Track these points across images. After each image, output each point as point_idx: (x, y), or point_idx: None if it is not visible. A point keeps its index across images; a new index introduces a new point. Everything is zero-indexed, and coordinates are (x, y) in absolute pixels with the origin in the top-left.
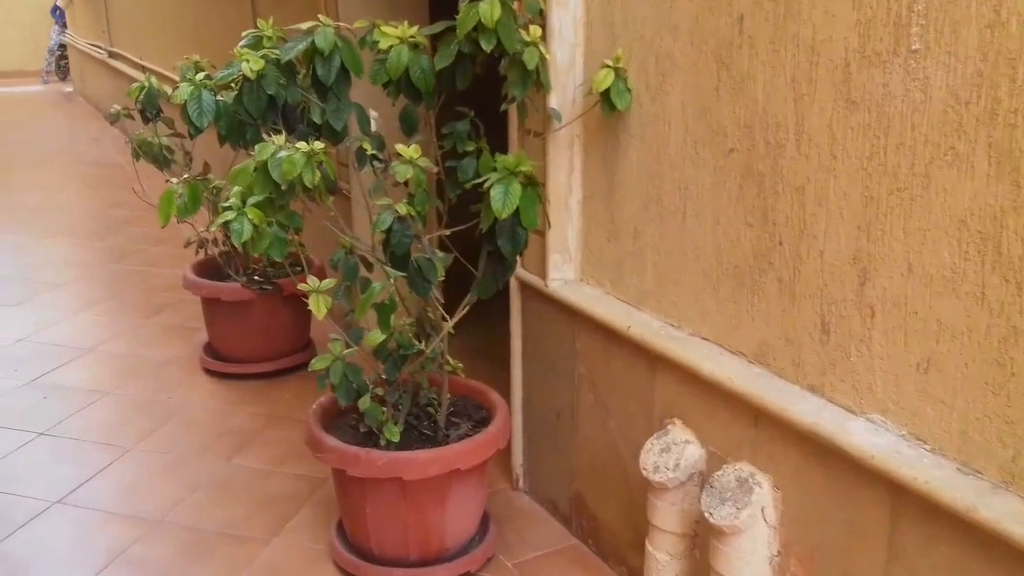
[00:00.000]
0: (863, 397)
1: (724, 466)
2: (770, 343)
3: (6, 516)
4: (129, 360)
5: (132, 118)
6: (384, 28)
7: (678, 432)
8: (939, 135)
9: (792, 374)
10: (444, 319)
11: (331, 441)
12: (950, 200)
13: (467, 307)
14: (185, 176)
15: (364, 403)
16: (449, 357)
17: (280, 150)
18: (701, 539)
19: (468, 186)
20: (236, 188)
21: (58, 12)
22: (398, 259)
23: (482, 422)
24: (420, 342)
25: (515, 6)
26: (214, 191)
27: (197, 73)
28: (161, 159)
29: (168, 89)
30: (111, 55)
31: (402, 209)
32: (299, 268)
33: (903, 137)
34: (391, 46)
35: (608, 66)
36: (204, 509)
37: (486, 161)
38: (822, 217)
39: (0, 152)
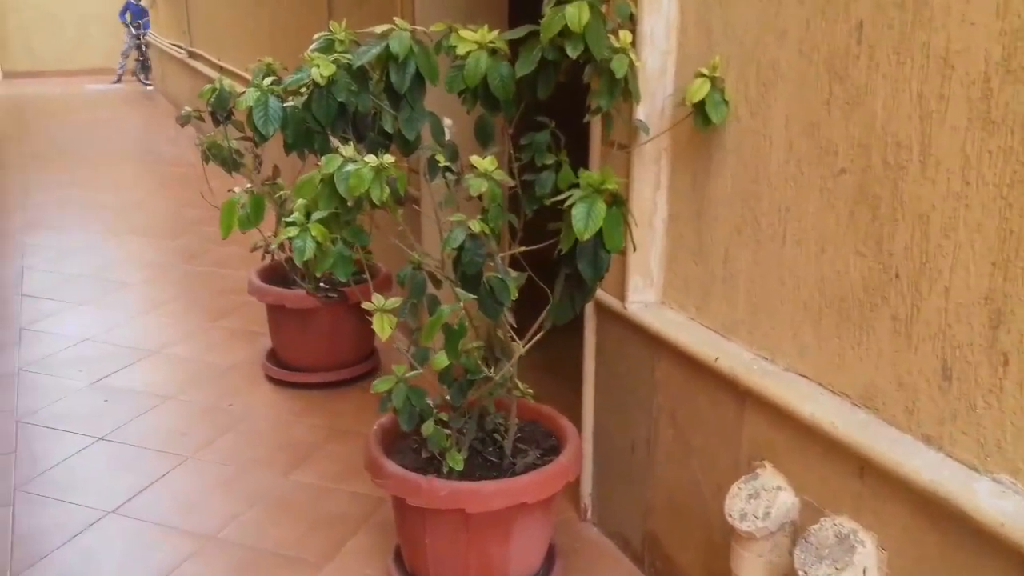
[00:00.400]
0: (989, 454)
1: (822, 519)
2: (879, 386)
3: (60, 524)
4: (193, 364)
5: (203, 120)
6: (462, 32)
7: (768, 477)
8: None
9: (904, 422)
10: (513, 340)
11: (391, 467)
12: None
13: (540, 333)
14: (248, 186)
15: (427, 428)
16: (519, 382)
17: (348, 163)
18: None
19: (548, 203)
20: (300, 201)
21: (128, 15)
22: (469, 279)
23: (551, 450)
24: (488, 367)
25: (604, 10)
26: (280, 200)
27: (267, 76)
28: (230, 162)
29: (242, 90)
30: (191, 55)
31: (475, 226)
32: (364, 277)
33: None
34: (469, 52)
35: (703, 75)
36: (260, 527)
37: (566, 175)
38: (949, 250)
39: (83, 150)
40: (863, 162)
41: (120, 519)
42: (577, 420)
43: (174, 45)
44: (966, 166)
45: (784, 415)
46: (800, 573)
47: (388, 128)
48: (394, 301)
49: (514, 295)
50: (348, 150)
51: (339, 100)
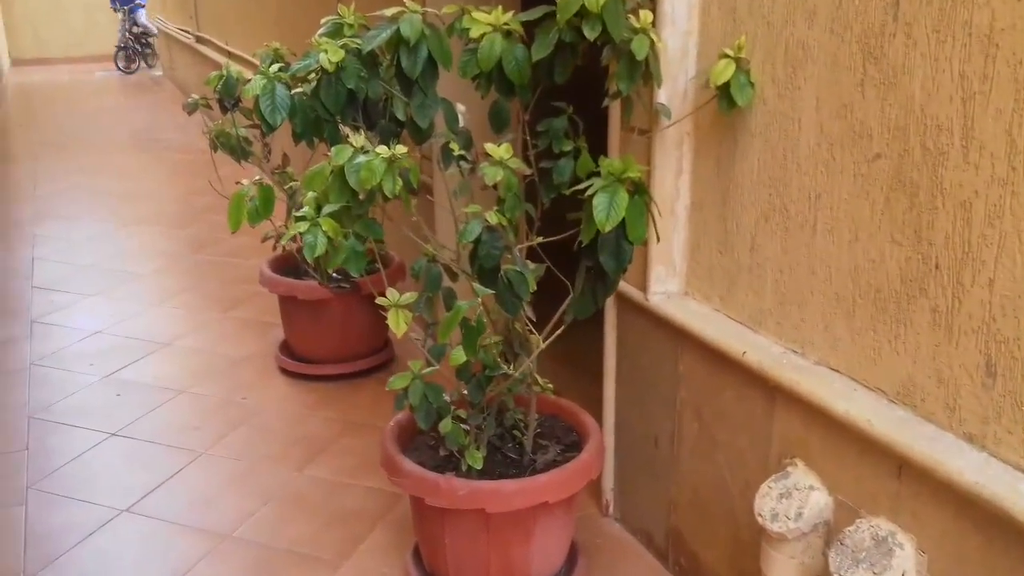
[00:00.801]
0: None
1: (857, 520)
2: (917, 382)
3: (74, 524)
4: (205, 356)
5: (210, 107)
6: (475, 14)
7: (800, 475)
8: None
9: (944, 420)
10: (531, 333)
11: (408, 465)
12: None
13: (561, 328)
14: (258, 177)
15: (445, 426)
16: (538, 376)
17: (359, 154)
18: None
19: (567, 192)
20: (310, 194)
21: (118, 2)
22: (486, 272)
23: (572, 446)
24: (507, 362)
25: None
26: (289, 191)
27: (274, 63)
28: (239, 151)
29: (250, 76)
30: (198, 40)
31: (492, 218)
32: (377, 267)
33: None
34: (483, 34)
35: (728, 56)
36: (274, 524)
37: (584, 162)
38: (994, 239)
39: (91, 137)
40: (900, 146)
41: (134, 518)
42: (597, 413)
43: (181, 30)
44: (1012, 151)
45: (816, 411)
46: None
47: (400, 115)
48: (409, 296)
49: (532, 288)
50: (358, 139)
51: (348, 87)
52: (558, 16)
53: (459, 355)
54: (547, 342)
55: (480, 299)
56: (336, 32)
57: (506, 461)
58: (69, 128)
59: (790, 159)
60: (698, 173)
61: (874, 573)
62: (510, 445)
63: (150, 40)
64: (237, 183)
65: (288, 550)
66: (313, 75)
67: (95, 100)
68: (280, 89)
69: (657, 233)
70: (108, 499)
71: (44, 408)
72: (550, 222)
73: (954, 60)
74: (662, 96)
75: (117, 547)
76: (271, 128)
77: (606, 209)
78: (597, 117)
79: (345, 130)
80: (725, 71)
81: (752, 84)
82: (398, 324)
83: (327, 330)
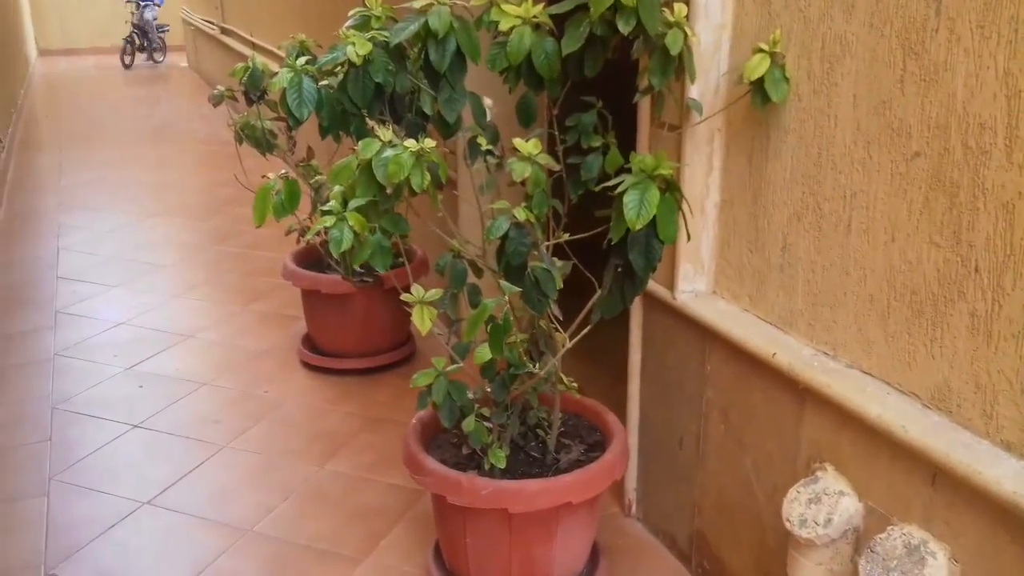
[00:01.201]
0: None
1: (888, 528)
2: (954, 387)
3: (95, 516)
4: (227, 349)
5: (236, 100)
6: (504, 6)
7: (830, 480)
8: None
9: (981, 426)
10: (557, 331)
11: (431, 463)
12: None
13: (587, 328)
14: (283, 171)
15: (469, 424)
16: (563, 375)
17: (386, 148)
18: None
19: (596, 189)
20: (337, 188)
21: None
22: (513, 270)
23: (595, 445)
24: (532, 360)
25: None
26: (315, 185)
27: (301, 55)
28: (264, 143)
29: (275, 68)
30: (223, 31)
31: (520, 215)
32: (400, 260)
33: None
34: (512, 27)
35: (762, 51)
36: (295, 520)
37: (613, 158)
38: None
39: (116, 128)
40: (940, 145)
41: (155, 511)
42: (621, 411)
43: (206, 21)
44: None
45: (848, 415)
46: None
47: (427, 109)
48: (434, 293)
49: (559, 286)
50: (386, 133)
51: (376, 80)
52: (591, 9)
53: (484, 353)
54: (573, 341)
55: (507, 297)
56: (363, 25)
57: (529, 460)
58: (94, 118)
59: (825, 157)
60: (729, 170)
61: None
62: (533, 444)
63: (150, 36)
64: (263, 176)
65: (308, 546)
66: (340, 68)
67: (120, 91)
68: (307, 82)
69: (688, 231)
70: (129, 491)
71: (67, 399)
72: (576, 218)
73: (999, 56)
74: (694, 91)
75: (138, 540)
76: (298, 122)
77: (637, 207)
78: (625, 112)
79: (371, 124)
80: (759, 66)
81: (787, 79)
82: (423, 321)
83: (350, 324)
